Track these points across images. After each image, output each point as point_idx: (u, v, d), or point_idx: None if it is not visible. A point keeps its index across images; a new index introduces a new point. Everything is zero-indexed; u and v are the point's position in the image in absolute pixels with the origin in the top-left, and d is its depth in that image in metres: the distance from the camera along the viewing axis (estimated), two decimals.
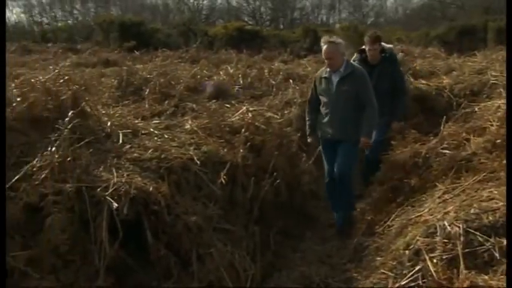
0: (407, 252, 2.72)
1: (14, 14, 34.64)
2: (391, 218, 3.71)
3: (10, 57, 9.04)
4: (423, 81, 6.34)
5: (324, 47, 3.84)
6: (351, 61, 4.85)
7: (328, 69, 3.92)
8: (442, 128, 4.13)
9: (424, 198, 3.50)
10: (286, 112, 5.20)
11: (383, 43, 5.01)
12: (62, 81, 3.56)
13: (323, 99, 4.00)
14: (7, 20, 32.81)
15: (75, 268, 2.62)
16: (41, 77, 3.55)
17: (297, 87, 6.28)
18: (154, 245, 2.86)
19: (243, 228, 3.41)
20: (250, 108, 4.45)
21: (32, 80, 3.47)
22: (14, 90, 3.30)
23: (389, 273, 2.80)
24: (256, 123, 4.12)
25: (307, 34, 20.36)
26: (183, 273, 2.92)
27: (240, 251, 3.19)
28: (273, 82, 6.57)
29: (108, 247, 2.65)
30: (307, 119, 4.24)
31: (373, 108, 3.89)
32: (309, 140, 4.25)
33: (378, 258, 3.22)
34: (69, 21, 32.98)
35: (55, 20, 34.19)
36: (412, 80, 6.34)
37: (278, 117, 4.43)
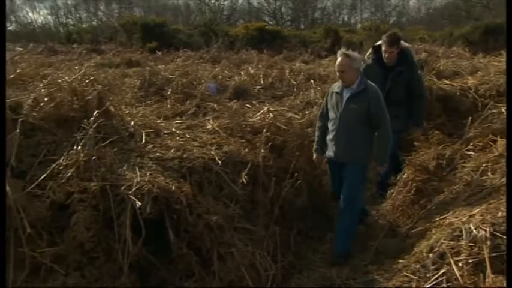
0: (431, 255, 2.67)
1: (40, 15, 35.51)
2: (414, 221, 3.65)
3: (37, 58, 9.23)
4: (447, 82, 6.19)
5: (338, 59, 3.57)
6: (365, 57, 4.73)
7: (341, 84, 3.61)
8: (467, 129, 4.03)
9: (448, 201, 3.43)
10: (307, 112, 5.15)
11: (402, 41, 4.48)
12: (87, 81, 3.61)
13: (331, 115, 3.68)
14: (34, 22, 33.72)
15: (100, 265, 2.66)
16: (67, 77, 3.62)
17: (318, 88, 6.24)
18: (176, 243, 2.88)
19: (264, 228, 3.39)
20: (271, 109, 4.44)
21: (59, 81, 3.53)
22: (42, 90, 3.35)
23: (413, 276, 2.75)
24: (277, 124, 4.11)
25: (328, 34, 20.18)
26: (204, 272, 2.93)
27: (261, 251, 3.18)
28: (294, 82, 6.55)
29: (131, 245, 2.68)
30: (315, 134, 3.91)
31: (387, 132, 3.52)
32: (314, 157, 3.89)
33: (401, 261, 3.17)
34: (94, 23, 33.54)
35: (80, 21, 34.85)
36: (435, 80, 6.21)
37: (299, 117, 4.41)
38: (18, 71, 3.91)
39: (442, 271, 2.46)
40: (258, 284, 3.03)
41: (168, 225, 2.89)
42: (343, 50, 3.59)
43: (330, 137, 3.69)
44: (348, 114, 3.53)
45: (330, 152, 3.71)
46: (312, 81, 6.74)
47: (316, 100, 5.75)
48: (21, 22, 33.96)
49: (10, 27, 32.51)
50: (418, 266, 2.77)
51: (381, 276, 3.17)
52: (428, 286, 2.48)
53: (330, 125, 3.70)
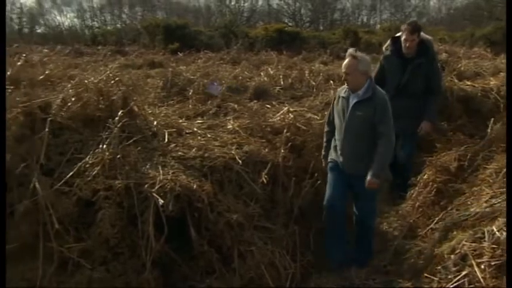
0: (452, 256, 2.62)
1: (67, 18, 36.27)
2: (435, 221, 3.58)
3: (64, 59, 9.41)
4: (468, 83, 6.05)
5: (345, 61, 3.27)
6: (383, 48, 4.61)
7: (347, 88, 3.32)
8: (489, 130, 3.93)
9: (469, 202, 3.35)
10: (326, 113, 5.11)
11: (422, 33, 4.24)
12: (112, 82, 3.67)
13: (337, 122, 3.41)
14: (62, 25, 34.43)
15: (124, 260, 2.70)
16: (93, 78, 3.68)
17: (338, 88, 6.16)
18: (198, 241, 2.91)
19: (283, 227, 3.39)
20: (291, 109, 4.43)
21: (85, 81, 3.59)
22: (70, 90, 3.42)
23: (433, 277, 2.70)
24: (297, 124, 4.09)
25: (348, 35, 19.95)
26: (225, 269, 2.95)
27: (280, 250, 3.18)
28: (314, 83, 6.49)
29: (154, 242, 2.72)
30: (324, 139, 3.66)
31: (390, 143, 3.21)
32: (323, 164, 3.64)
33: (421, 262, 3.12)
34: (118, 25, 34.02)
35: (105, 24, 35.38)
36: (456, 81, 6.08)
37: (318, 118, 4.36)
38: (47, 72, 3.99)
39: (463, 273, 2.41)
40: (277, 282, 3.03)
41: (189, 222, 2.92)
42: (351, 50, 3.31)
43: (336, 145, 3.44)
44: (355, 122, 3.25)
45: (336, 159, 3.43)
46: (331, 82, 6.66)
47: None
48: (50, 25, 34.71)
49: (39, 30, 33.37)
50: (439, 267, 2.72)
51: (401, 277, 3.12)
52: (450, 287, 2.44)
53: (336, 133, 3.44)
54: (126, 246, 2.73)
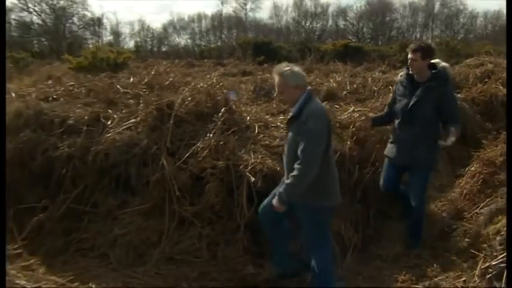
0: (498, 237, 2.34)
1: (183, 39, 38.41)
2: (480, 207, 3.21)
3: (180, 69, 9.89)
4: None
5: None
6: (398, 75, 3.45)
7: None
8: None
9: None
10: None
11: (437, 60, 3.10)
12: (216, 86, 3.76)
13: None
14: (179, 44, 36.49)
15: (224, 222, 2.78)
16: (202, 84, 3.80)
17: None
18: None
19: (348, 206, 3.24)
20: (356, 109, 4.22)
21: (197, 86, 3.73)
22: (187, 93, 3.57)
23: (479, 254, 2.43)
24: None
25: (403, 49, 18.60)
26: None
27: (345, 223, 3.06)
28: (375, 88, 6.11)
29: (246, 210, 2.75)
30: None
31: (304, 167, 2.16)
32: None
33: (467, 240, 2.84)
34: (218, 43, 35.28)
35: (209, 43, 36.90)
36: (501, 87, 5.39)
37: None
38: (170, 79, 4.21)
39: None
40: (343, 248, 2.92)
41: None
42: (276, 68, 2.35)
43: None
44: (288, 144, 2.37)
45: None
46: (390, 87, 6.24)
47: None
48: (170, 44, 37.06)
49: (164, 48, 35.80)
50: (484, 246, 2.46)
51: (448, 251, 2.87)
52: (495, 263, 2.16)
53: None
54: (226, 212, 2.80)
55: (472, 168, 3.76)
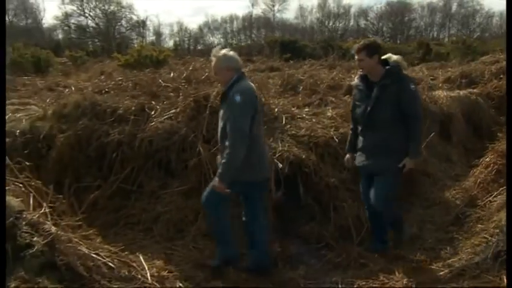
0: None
1: (216, 38, 38.64)
2: (493, 195, 3.01)
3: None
4: None
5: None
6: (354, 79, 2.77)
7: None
8: None
9: None
10: None
11: (389, 54, 2.52)
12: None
13: None
14: (212, 43, 36.67)
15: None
16: None
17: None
18: (304, 195, 2.87)
19: None
20: None
21: None
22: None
23: (491, 238, 2.31)
24: None
25: (421, 47, 17.63)
26: (323, 217, 2.86)
27: (363, 207, 2.96)
28: None
29: (274, 193, 2.72)
30: None
31: (233, 140, 2.09)
32: None
33: (479, 225, 2.68)
34: (248, 42, 35.09)
35: (240, 41, 36.79)
36: None
37: None
38: (206, 74, 4.20)
39: None
40: (360, 230, 2.82)
41: (299, 182, 2.88)
42: (213, 51, 2.28)
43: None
44: (220, 120, 2.27)
45: None
46: None
47: None
48: (205, 43, 37.30)
49: (199, 47, 36.13)
50: (497, 231, 2.32)
51: (461, 235, 2.73)
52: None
53: None
54: None
55: (487, 159, 3.54)
